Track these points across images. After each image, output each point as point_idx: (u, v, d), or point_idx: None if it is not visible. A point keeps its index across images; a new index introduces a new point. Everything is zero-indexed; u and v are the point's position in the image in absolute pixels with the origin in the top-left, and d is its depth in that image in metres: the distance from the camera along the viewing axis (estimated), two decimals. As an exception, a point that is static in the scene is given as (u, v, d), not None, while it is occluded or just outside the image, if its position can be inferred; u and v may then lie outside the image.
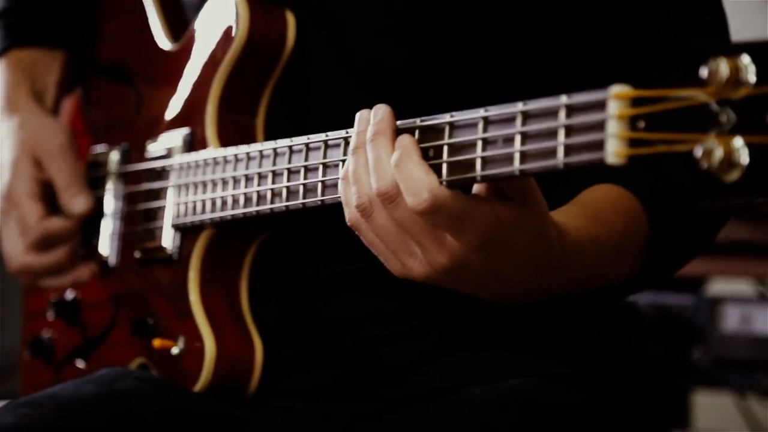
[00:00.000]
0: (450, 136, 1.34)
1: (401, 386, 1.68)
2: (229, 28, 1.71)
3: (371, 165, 1.36)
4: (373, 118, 1.38)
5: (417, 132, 1.37)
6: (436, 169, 1.34)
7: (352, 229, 1.41)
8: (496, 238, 1.34)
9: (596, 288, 1.54)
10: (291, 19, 1.70)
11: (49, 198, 1.91)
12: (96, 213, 1.92)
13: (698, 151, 1.13)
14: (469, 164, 1.32)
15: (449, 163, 1.34)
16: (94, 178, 1.95)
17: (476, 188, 1.35)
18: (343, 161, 1.48)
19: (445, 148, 1.34)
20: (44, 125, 1.94)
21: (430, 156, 1.35)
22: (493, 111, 1.31)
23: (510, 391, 1.60)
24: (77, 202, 1.89)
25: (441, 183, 1.33)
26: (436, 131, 1.36)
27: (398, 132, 1.38)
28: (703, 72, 1.13)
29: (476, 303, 1.67)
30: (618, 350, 1.72)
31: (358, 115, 1.41)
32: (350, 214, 1.40)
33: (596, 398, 1.64)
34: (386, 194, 1.35)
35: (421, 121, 1.37)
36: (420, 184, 1.32)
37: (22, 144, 1.91)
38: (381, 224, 1.37)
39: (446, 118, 1.35)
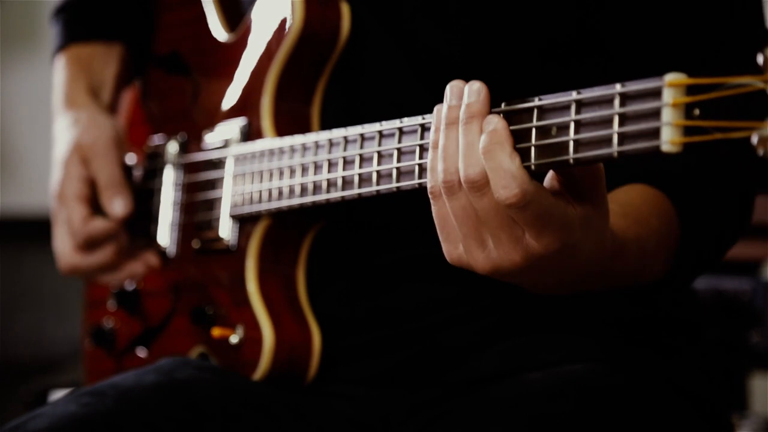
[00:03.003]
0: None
1: (461, 371, 1.69)
2: (285, 19, 1.72)
3: (462, 150, 1.34)
4: (467, 97, 1.36)
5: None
6: None
7: (429, 196, 1.39)
8: (572, 242, 1.33)
9: (631, 285, 1.55)
10: (346, 10, 1.71)
11: (97, 197, 1.94)
12: (155, 203, 1.94)
13: (755, 138, 1.13)
14: (524, 153, 1.31)
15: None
16: (152, 169, 1.97)
17: (556, 188, 1.34)
18: (398, 149, 1.49)
19: None
20: (95, 123, 1.96)
21: None
22: (547, 99, 1.31)
23: (569, 377, 1.61)
24: (115, 204, 1.92)
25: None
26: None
27: None
28: (760, 59, 1.13)
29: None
30: (676, 334, 1.72)
31: (449, 87, 1.38)
32: (433, 182, 1.38)
33: (656, 383, 1.64)
34: (474, 183, 1.33)
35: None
36: (511, 177, 1.30)
37: (73, 142, 1.94)
38: (462, 206, 1.35)
39: (501, 107, 1.35)
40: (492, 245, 1.35)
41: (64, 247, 1.94)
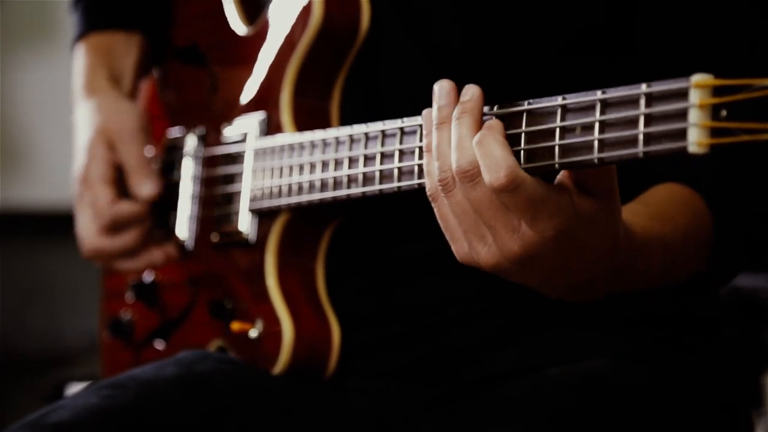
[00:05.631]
0: (528, 124, 1.34)
1: (478, 367, 1.69)
2: (304, 14, 1.72)
3: (454, 143, 1.37)
4: (463, 96, 1.38)
5: (494, 118, 1.37)
6: (515, 156, 1.34)
7: (429, 200, 1.41)
8: (571, 231, 1.33)
9: (661, 285, 1.54)
10: (365, 4, 1.71)
11: (121, 181, 1.94)
12: (173, 196, 1.94)
13: (781, 141, 1.13)
14: (548, 152, 1.31)
15: (527, 151, 1.34)
16: (170, 161, 1.97)
17: (559, 178, 1.34)
18: (420, 148, 1.48)
19: (523, 136, 1.34)
20: (119, 108, 1.96)
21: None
22: (572, 99, 1.30)
23: (587, 373, 1.61)
24: (144, 186, 1.91)
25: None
26: (513, 117, 1.35)
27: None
28: (788, 60, 1.12)
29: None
30: (694, 331, 1.72)
31: (437, 88, 1.41)
32: (431, 184, 1.40)
33: (677, 379, 1.64)
34: (466, 172, 1.35)
35: (499, 107, 1.37)
36: (500, 162, 1.32)
37: (97, 127, 1.94)
38: (458, 201, 1.37)
39: (524, 105, 1.35)
40: (490, 238, 1.36)
41: (88, 229, 1.94)
